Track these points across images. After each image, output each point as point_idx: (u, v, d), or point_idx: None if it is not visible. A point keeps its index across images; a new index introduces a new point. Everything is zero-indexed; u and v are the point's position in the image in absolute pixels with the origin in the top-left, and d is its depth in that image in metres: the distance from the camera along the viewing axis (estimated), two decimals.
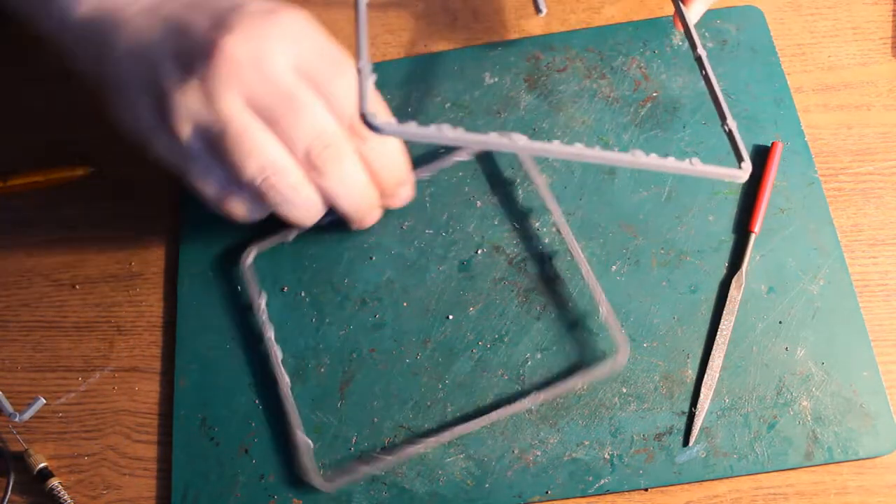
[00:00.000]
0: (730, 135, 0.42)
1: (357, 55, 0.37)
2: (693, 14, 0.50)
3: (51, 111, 0.58)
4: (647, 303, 0.47)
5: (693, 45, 0.46)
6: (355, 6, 0.39)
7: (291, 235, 0.50)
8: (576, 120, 0.52)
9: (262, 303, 0.49)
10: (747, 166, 0.40)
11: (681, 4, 0.49)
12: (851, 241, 0.48)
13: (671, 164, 0.38)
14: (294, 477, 0.46)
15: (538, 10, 0.53)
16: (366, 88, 0.35)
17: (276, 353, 0.48)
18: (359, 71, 0.36)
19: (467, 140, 0.35)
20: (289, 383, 0.47)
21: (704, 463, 0.44)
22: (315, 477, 0.45)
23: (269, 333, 0.48)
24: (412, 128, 0.34)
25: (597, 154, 0.36)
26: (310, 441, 0.46)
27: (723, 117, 0.43)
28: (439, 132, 0.34)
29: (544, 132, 0.52)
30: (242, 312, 0.50)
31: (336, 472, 0.45)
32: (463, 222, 0.50)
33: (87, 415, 0.49)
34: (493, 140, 0.35)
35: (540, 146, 0.35)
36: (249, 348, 0.49)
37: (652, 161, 0.37)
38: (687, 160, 0.38)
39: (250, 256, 0.50)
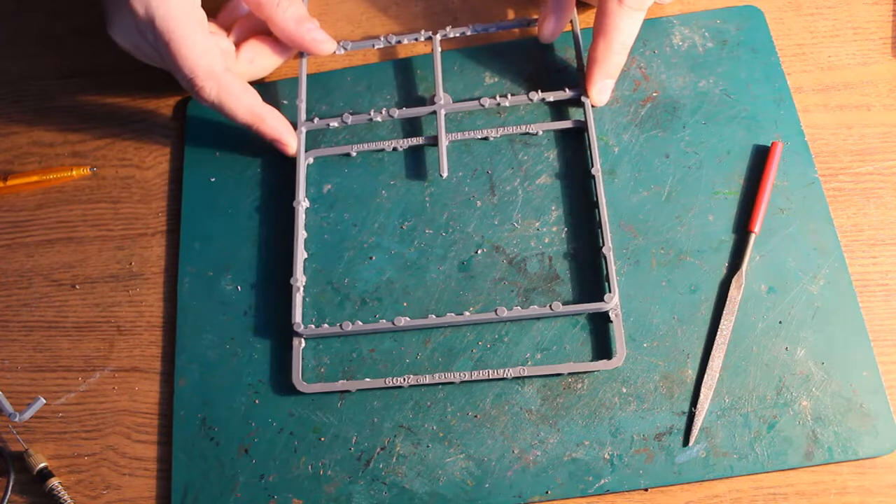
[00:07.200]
0: (604, 258, 0.47)
1: (293, 272, 0.48)
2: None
3: (51, 111, 0.58)
4: (647, 303, 0.47)
5: (591, 159, 0.49)
6: (294, 235, 0.49)
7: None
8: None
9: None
10: (611, 297, 0.45)
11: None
12: (851, 241, 0.48)
13: (535, 311, 0.46)
14: (294, 477, 0.46)
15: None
16: (296, 301, 0.48)
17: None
18: (292, 286, 0.48)
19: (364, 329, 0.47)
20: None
21: (704, 463, 0.44)
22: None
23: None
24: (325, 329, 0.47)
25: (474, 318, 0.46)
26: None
27: (603, 240, 0.47)
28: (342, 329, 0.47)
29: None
30: (242, 311, 0.50)
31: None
32: (463, 222, 0.50)
33: (87, 415, 0.49)
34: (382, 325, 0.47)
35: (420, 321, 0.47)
36: (250, 347, 0.49)
37: (517, 313, 0.46)
38: (548, 305, 0.46)
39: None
